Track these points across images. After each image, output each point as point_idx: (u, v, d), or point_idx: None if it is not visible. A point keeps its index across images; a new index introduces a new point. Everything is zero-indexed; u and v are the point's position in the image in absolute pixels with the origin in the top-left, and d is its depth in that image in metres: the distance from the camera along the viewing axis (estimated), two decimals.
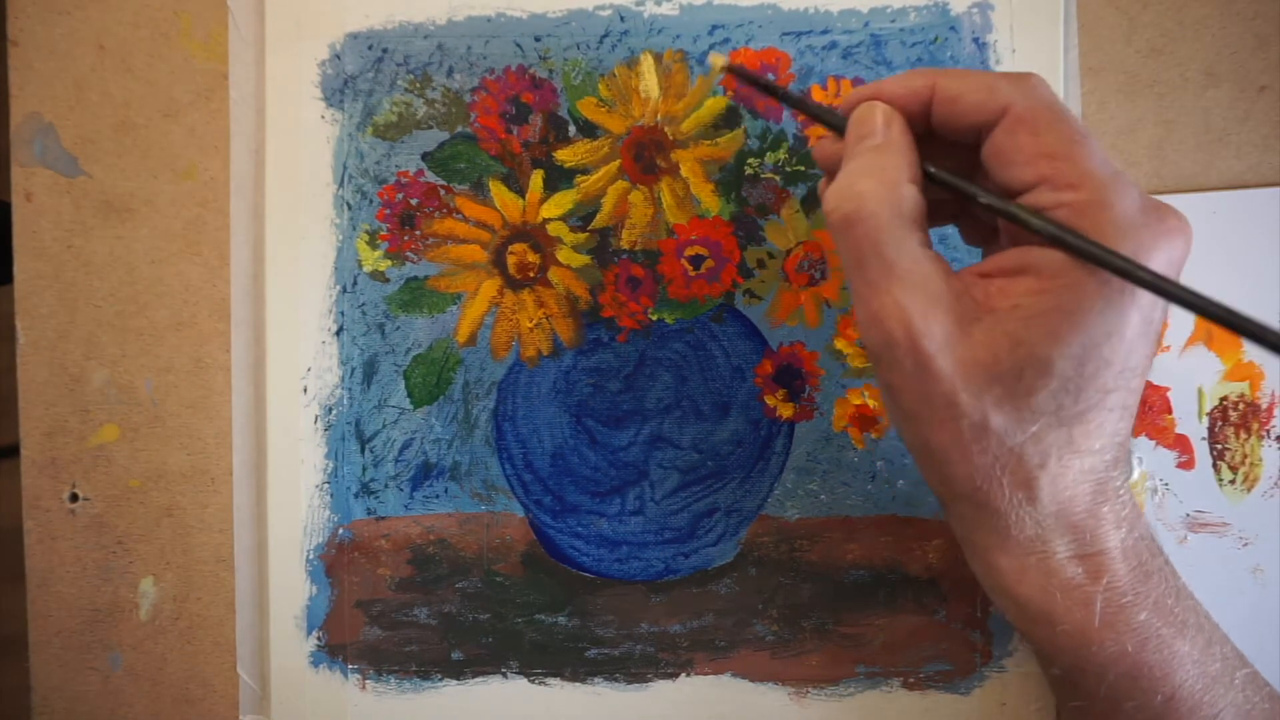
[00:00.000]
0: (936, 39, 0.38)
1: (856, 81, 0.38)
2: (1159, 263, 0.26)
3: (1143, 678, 0.28)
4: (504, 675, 0.39)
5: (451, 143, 0.39)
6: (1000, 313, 0.26)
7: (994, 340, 0.26)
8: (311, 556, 0.39)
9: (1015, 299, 0.26)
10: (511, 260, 0.39)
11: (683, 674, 0.39)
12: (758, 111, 0.38)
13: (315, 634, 0.39)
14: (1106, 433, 0.27)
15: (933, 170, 0.29)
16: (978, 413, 0.27)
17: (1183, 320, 0.38)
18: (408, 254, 0.39)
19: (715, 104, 0.38)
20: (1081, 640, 0.28)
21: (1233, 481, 0.38)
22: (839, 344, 0.38)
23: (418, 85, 0.39)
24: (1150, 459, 0.38)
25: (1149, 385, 0.38)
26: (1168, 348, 0.38)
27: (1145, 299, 0.26)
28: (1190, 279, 0.38)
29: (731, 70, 0.32)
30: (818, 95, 0.38)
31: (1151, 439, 0.38)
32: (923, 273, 0.27)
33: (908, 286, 0.27)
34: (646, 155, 0.38)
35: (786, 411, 0.39)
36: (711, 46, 0.38)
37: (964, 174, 0.29)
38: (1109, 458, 0.28)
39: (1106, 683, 0.29)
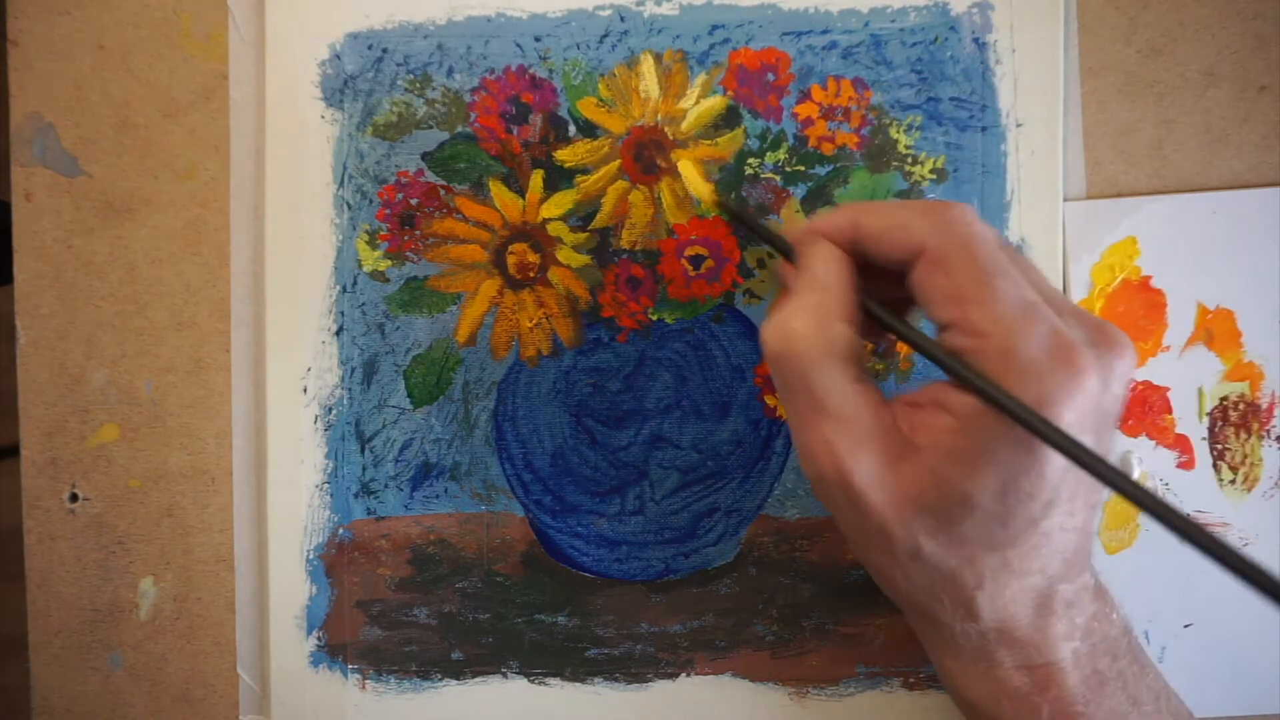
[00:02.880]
0: (936, 39, 0.38)
1: (857, 82, 0.38)
2: (1068, 409, 0.25)
3: None
4: (504, 675, 0.39)
5: (451, 143, 0.39)
6: (923, 448, 0.27)
7: (919, 475, 0.27)
8: (311, 556, 0.39)
9: (935, 436, 0.27)
10: (511, 260, 0.39)
11: (683, 674, 0.39)
12: (758, 111, 0.38)
13: (315, 634, 0.39)
14: (1043, 555, 0.27)
15: (869, 304, 0.30)
16: (910, 541, 0.27)
17: (1183, 321, 0.38)
18: (408, 254, 0.39)
19: (715, 104, 0.38)
20: None
21: (1233, 481, 0.38)
22: None
23: (418, 85, 0.39)
24: (1150, 459, 0.38)
25: (1149, 385, 0.38)
26: (1168, 348, 0.38)
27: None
28: (1191, 278, 0.38)
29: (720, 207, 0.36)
30: (818, 95, 0.38)
31: (1151, 439, 0.38)
32: (851, 410, 0.28)
33: (836, 423, 0.28)
34: (646, 155, 0.38)
35: None
36: (711, 47, 0.38)
37: (906, 298, 0.30)
38: (1052, 574, 0.28)
39: None
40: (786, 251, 0.32)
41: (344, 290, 0.39)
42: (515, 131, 0.38)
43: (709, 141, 0.38)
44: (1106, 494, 0.29)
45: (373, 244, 0.39)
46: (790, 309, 0.29)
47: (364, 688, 0.39)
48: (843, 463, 0.27)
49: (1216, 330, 0.38)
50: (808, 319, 0.28)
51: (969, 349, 0.26)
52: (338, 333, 0.39)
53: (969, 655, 0.29)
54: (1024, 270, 0.28)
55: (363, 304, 0.39)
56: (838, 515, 0.29)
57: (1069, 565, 0.28)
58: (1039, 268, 0.30)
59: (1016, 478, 0.26)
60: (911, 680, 0.39)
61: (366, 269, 0.39)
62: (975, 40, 0.38)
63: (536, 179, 0.38)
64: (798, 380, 0.28)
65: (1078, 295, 0.38)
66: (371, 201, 0.39)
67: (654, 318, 0.39)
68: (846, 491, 0.28)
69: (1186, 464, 0.38)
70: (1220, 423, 0.38)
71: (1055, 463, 0.26)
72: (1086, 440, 0.25)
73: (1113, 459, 0.28)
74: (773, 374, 0.30)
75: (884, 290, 0.30)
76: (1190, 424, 0.38)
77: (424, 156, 0.39)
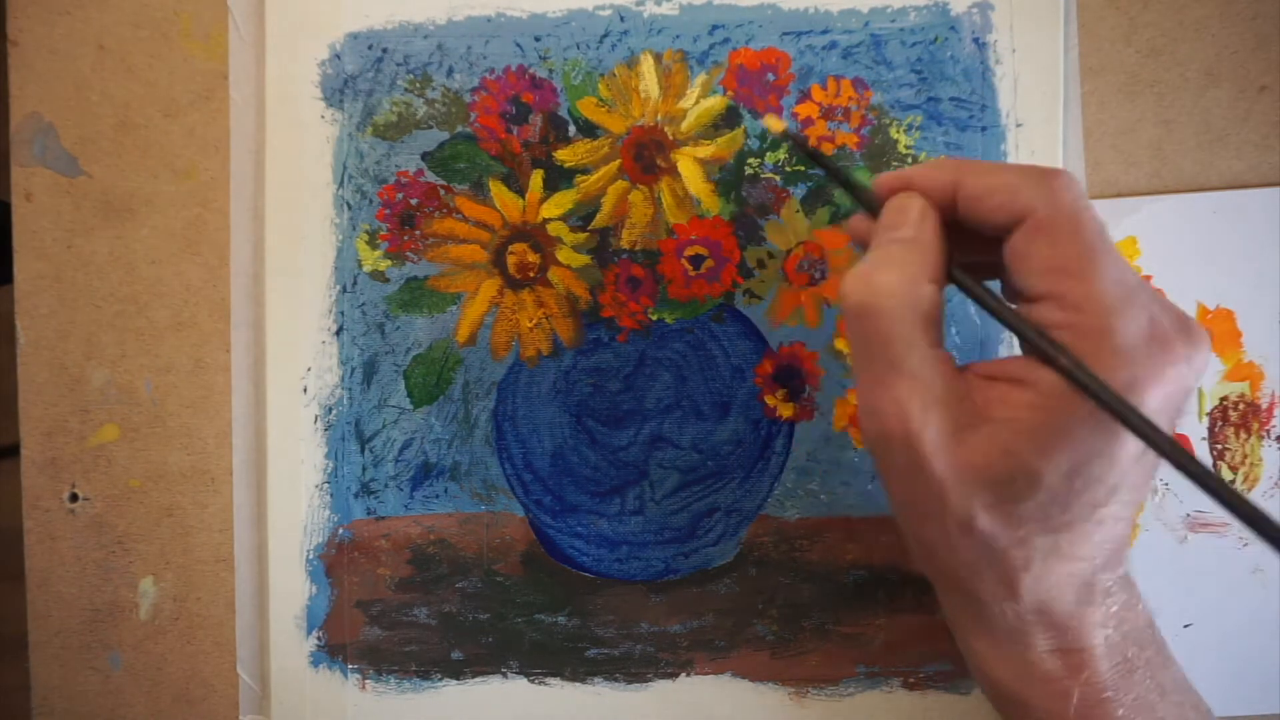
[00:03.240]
0: (937, 39, 0.38)
1: (857, 81, 0.38)
2: (1155, 396, 0.25)
3: None
4: (504, 675, 0.39)
5: (451, 143, 0.39)
6: (997, 422, 0.27)
7: (988, 448, 0.26)
8: (311, 556, 0.39)
9: (1011, 410, 0.26)
10: (511, 260, 0.39)
11: (683, 674, 0.39)
12: (758, 111, 0.38)
13: (315, 634, 0.39)
14: (1094, 542, 0.27)
15: (955, 272, 0.29)
16: (965, 513, 0.27)
17: None
18: (408, 254, 0.39)
19: (715, 104, 0.38)
20: None
21: (1233, 481, 0.38)
22: (839, 344, 0.38)
23: (418, 85, 0.39)
24: None
25: None
26: None
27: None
28: (1191, 279, 0.38)
29: (788, 137, 0.33)
30: (818, 95, 0.38)
31: None
32: (928, 374, 0.27)
33: (912, 383, 0.27)
34: (646, 155, 0.38)
35: (786, 411, 0.39)
36: (711, 47, 0.38)
37: (992, 262, 0.29)
38: (1098, 562, 0.28)
39: None
40: (868, 202, 0.31)
41: (344, 290, 0.39)
42: (515, 131, 0.38)
43: (709, 141, 0.38)
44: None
45: (373, 244, 0.39)
46: (878, 260, 0.28)
47: (364, 688, 0.39)
48: (912, 423, 0.27)
49: (1216, 330, 0.38)
50: (897, 275, 0.27)
51: (1064, 324, 0.26)
52: (338, 333, 0.39)
53: (1003, 635, 0.29)
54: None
55: (363, 304, 0.39)
56: (892, 479, 0.29)
57: (1113, 555, 0.28)
58: None
59: (1089, 460, 0.26)
60: (911, 680, 0.39)
61: (366, 269, 0.39)
62: (975, 40, 0.38)
63: (536, 179, 0.38)
64: (878, 337, 0.27)
65: None
66: (371, 201, 0.39)
67: (654, 318, 0.39)
68: (910, 453, 0.27)
69: None
70: (1220, 423, 0.38)
71: (1129, 449, 0.26)
72: (1161, 429, 0.25)
73: None
74: (848, 325, 0.28)
75: (962, 255, 0.29)
76: (1190, 424, 0.38)
77: (424, 156, 0.39)
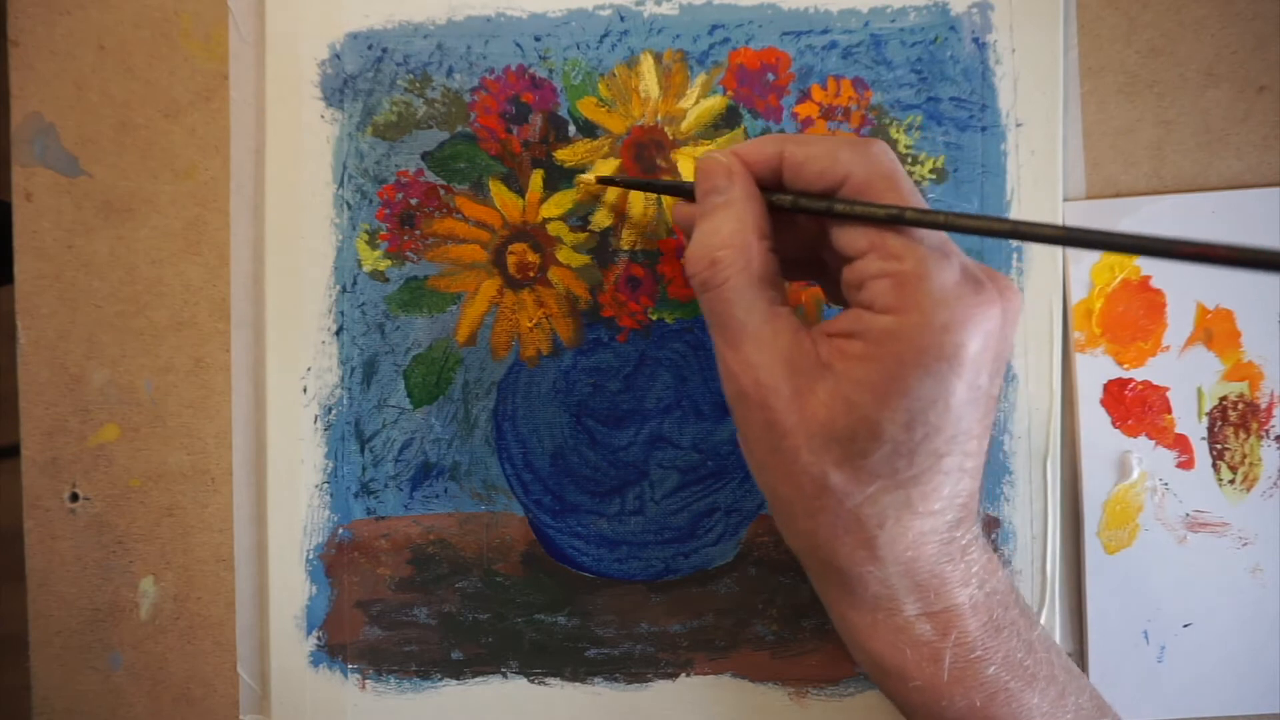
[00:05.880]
0: (936, 39, 0.38)
1: (856, 81, 0.38)
2: (974, 336, 0.26)
3: None
4: (504, 675, 0.39)
5: (451, 142, 0.39)
6: (837, 374, 0.28)
7: (832, 401, 0.27)
8: (311, 556, 0.39)
9: (847, 362, 0.27)
10: (511, 260, 0.39)
11: (683, 674, 0.39)
12: (758, 111, 0.38)
13: (315, 634, 0.39)
14: (944, 495, 0.28)
15: (773, 198, 0.30)
16: (818, 470, 0.28)
17: (1182, 320, 0.38)
18: (407, 254, 0.39)
19: (715, 104, 0.38)
20: (933, 695, 0.29)
21: (1232, 481, 0.39)
22: None
23: (417, 85, 0.39)
24: (1150, 459, 0.38)
25: (1149, 385, 0.38)
26: (1167, 348, 0.38)
27: (966, 368, 0.26)
28: (1190, 278, 0.38)
29: (606, 182, 0.37)
30: (818, 95, 0.38)
31: (1151, 439, 0.38)
32: (771, 331, 0.29)
33: (758, 345, 0.29)
34: (646, 155, 0.38)
35: None
36: (711, 47, 0.38)
37: (812, 251, 0.32)
38: (950, 518, 0.29)
39: None
40: (684, 192, 0.33)
41: (344, 290, 0.39)
42: (515, 131, 0.38)
43: (709, 141, 0.38)
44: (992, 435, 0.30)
45: (373, 244, 0.39)
46: (707, 232, 0.30)
47: (364, 688, 0.39)
48: (763, 381, 0.28)
49: (1216, 330, 0.38)
50: (726, 243, 0.29)
51: (884, 272, 0.27)
52: (338, 333, 0.39)
53: (870, 604, 0.30)
54: None
55: (363, 304, 0.39)
56: (751, 440, 0.30)
57: (965, 510, 0.29)
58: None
59: (925, 409, 0.27)
60: None
61: (366, 269, 0.39)
62: (975, 40, 0.38)
63: (536, 179, 0.38)
64: (721, 305, 0.29)
65: (1078, 295, 0.38)
66: (371, 201, 0.39)
67: (654, 317, 0.39)
68: (764, 411, 0.28)
69: (1186, 464, 0.38)
70: (1219, 422, 0.38)
71: (959, 395, 0.27)
72: (984, 375, 0.27)
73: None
74: (699, 298, 0.30)
75: (790, 241, 0.31)
76: (1190, 424, 0.38)
77: (424, 156, 0.39)
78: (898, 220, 0.27)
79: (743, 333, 0.29)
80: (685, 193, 0.33)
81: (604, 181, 0.38)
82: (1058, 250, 0.38)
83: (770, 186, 0.30)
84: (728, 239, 0.29)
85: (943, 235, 0.28)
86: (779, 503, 0.30)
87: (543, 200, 0.38)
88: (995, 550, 0.31)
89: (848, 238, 0.28)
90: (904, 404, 0.26)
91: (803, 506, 0.29)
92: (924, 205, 0.28)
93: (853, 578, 0.29)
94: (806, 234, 0.31)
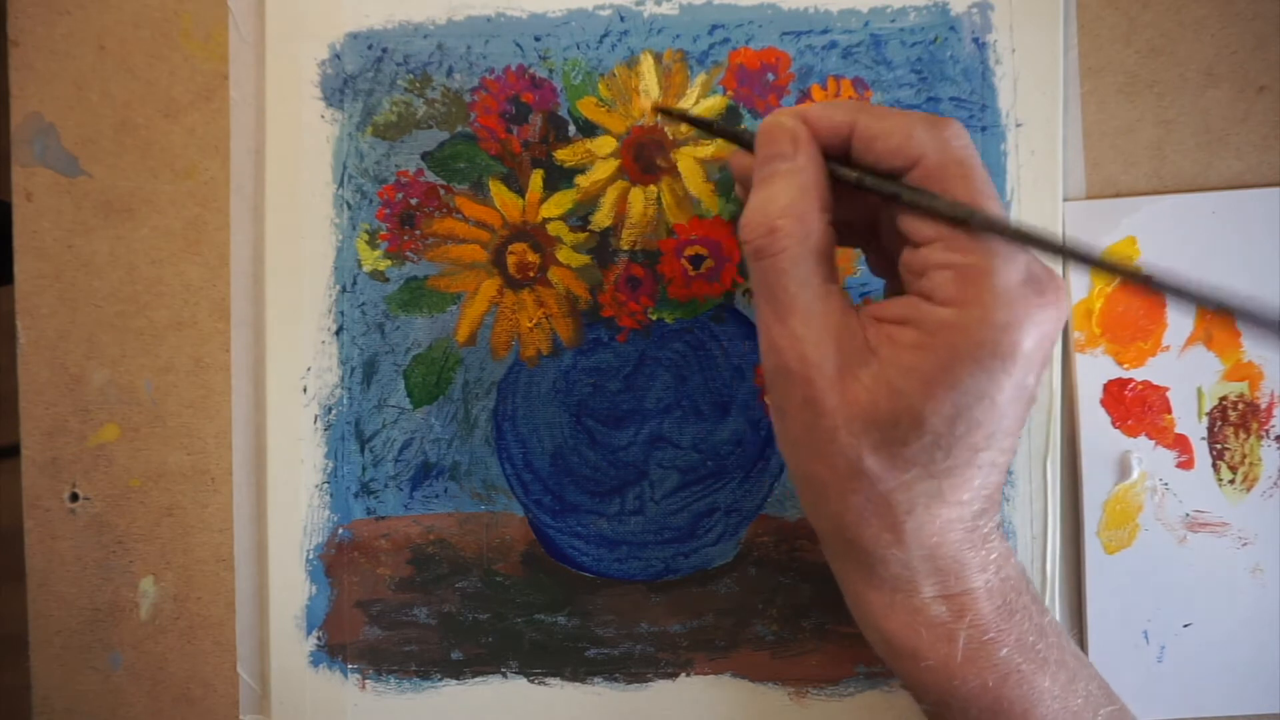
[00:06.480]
0: (936, 39, 0.38)
1: (856, 82, 0.38)
2: (1030, 336, 0.26)
3: (1003, 713, 0.29)
4: (504, 675, 0.39)
5: (451, 142, 0.39)
6: (884, 360, 0.27)
7: (876, 386, 0.27)
8: (311, 556, 0.39)
9: (898, 349, 0.27)
10: (511, 260, 0.39)
11: (683, 674, 0.39)
12: (758, 111, 0.38)
13: (315, 634, 0.39)
14: (974, 487, 0.28)
15: (832, 167, 0.29)
16: (854, 453, 0.28)
17: (1182, 321, 0.38)
18: (407, 254, 0.39)
19: (715, 104, 0.38)
20: (945, 675, 0.29)
21: (1232, 481, 0.39)
22: None
23: (417, 85, 0.39)
24: (1150, 459, 0.38)
25: (1149, 385, 0.38)
26: (1167, 348, 0.38)
27: (1018, 367, 0.26)
28: (1192, 278, 0.38)
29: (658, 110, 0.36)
30: (818, 95, 0.38)
31: (1151, 439, 0.38)
32: (823, 308, 0.28)
33: (806, 321, 0.28)
34: (646, 155, 0.38)
35: None
36: (711, 47, 0.38)
37: (869, 217, 0.31)
38: (976, 508, 0.29)
39: (970, 717, 0.29)
40: (743, 141, 0.31)
41: (344, 290, 0.39)
42: (515, 131, 0.38)
43: (709, 141, 0.38)
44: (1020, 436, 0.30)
45: (373, 244, 0.39)
46: (767, 199, 0.29)
47: (364, 687, 0.39)
48: (809, 357, 0.28)
49: (1216, 330, 0.38)
50: (786, 211, 0.28)
51: (949, 264, 0.27)
52: (338, 333, 0.39)
53: (889, 585, 0.30)
54: None
55: (363, 304, 0.39)
56: (789, 417, 0.29)
57: (990, 501, 0.29)
58: None
59: (971, 404, 0.26)
60: None
61: (366, 269, 0.39)
62: (975, 40, 0.38)
63: (536, 179, 0.38)
64: (774, 275, 0.28)
65: (1078, 295, 0.38)
66: (371, 201, 0.39)
67: (654, 318, 0.39)
68: (806, 388, 0.28)
69: (1186, 464, 0.38)
70: (1219, 422, 0.38)
71: (1007, 393, 0.26)
72: (1032, 375, 0.27)
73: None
74: (749, 265, 0.29)
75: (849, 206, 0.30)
76: (1190, 424, 0.38)
77: (424, 156, 0.39)
78: (965, 223, 0.26)
79: (793, 306, 0.28)
80: (744, 142, 0.31)
81: (662, 110, 0.37)
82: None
83: (835, 155, 0.29)
84: (787, 208, 0.28)
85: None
86: (809, 482, 0.30)
87: (543, 200, 0.38)
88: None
89: (914, 223, 0.28)
90: (951, 397, 0.26)
91: (836, 488, 0.29)
92: (996, 195, 0.27)
93: (875, 559, 0.29)
94: (867, 205, 0.31)
